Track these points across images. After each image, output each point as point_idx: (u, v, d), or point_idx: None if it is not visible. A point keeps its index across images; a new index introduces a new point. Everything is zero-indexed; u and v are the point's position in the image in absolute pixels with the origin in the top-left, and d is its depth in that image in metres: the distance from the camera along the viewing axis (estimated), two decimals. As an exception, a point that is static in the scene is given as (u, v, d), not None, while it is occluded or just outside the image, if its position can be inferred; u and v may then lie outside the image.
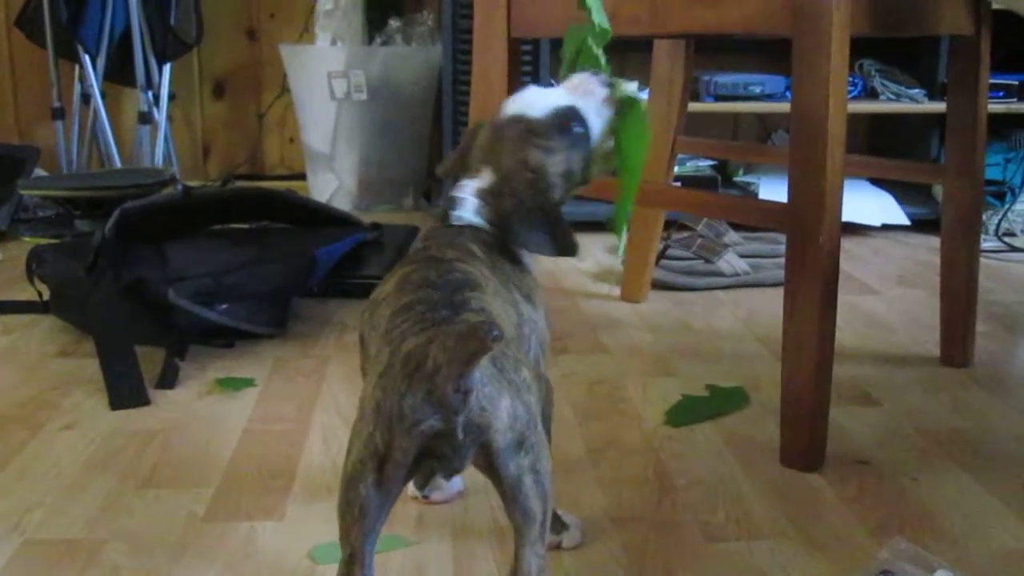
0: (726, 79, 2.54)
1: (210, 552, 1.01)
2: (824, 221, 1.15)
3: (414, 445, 0.75)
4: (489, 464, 0.78)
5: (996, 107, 2.36)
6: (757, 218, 1.24)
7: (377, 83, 2.68)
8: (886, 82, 2.62)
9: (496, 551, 1.02)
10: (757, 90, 2.56)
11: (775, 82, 2.58)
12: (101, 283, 1.50)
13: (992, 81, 1.69)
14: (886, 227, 2.57)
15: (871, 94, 2.66)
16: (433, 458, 0.76)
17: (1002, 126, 2.62)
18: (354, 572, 0.79)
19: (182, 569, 0.98)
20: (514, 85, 1.44)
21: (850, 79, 2.62)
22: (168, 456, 1.24)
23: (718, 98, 2.53)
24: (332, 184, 2.80)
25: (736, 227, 2.26)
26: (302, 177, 2.94)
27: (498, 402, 0.75)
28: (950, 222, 1.53)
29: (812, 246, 1.16)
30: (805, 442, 1.21)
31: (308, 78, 2.73)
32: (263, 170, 3.08)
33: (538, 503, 0.79)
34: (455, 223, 0.96)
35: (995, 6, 1.47)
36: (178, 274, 1.55)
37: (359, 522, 0.78)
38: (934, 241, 2.51)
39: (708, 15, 1.21)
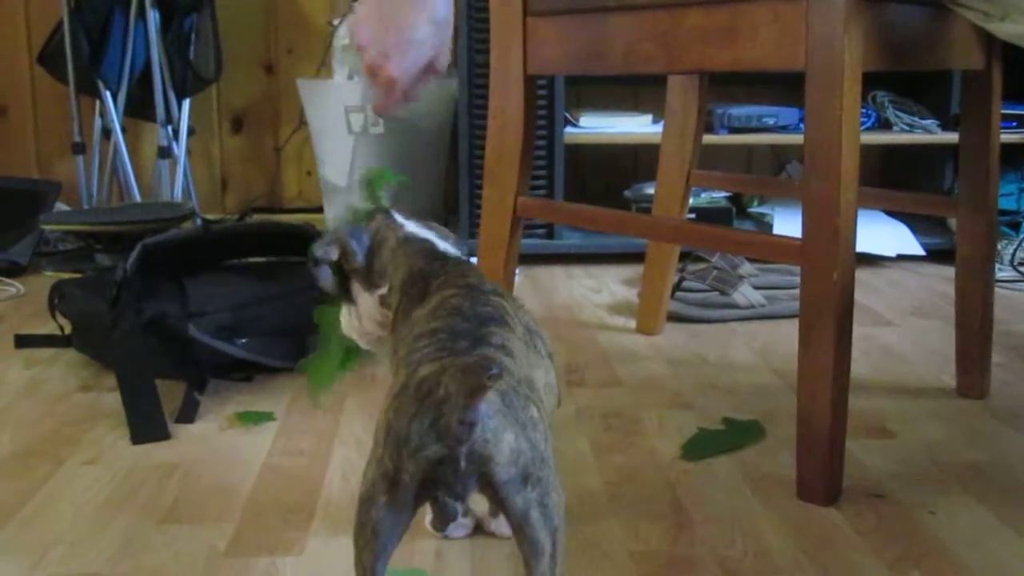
0: (740, 111, 2.56)
1: (231, 587, 1.03)
2: (838, 257, 1.16)
3: (419, 469, 0.77)
4: (495, 496, 0.80)
5: (1009, 137, 2.37)
6: (771, 254, 1.25)
7: (393, 117, 2.70)
8: (900, 113, 2.63)
9: (514, 586, 1.03)
10: (771, 122, 2.57)
11: (789, 114, 2.60)
12: (123, 318, 1.52)
13: (1004, 111, 1.70)
14: (901, 257, 2.57)
15: (884, 125, 2.67)
16: (438, 484, 0.78)
17: (1015, 156, 2.63)
18: None
19: (204, 604, 1.00)
20: (530, 122, 1.46)
21: (863, 110, 2.64)
22: (188, 491, 1.25)
23: (732, 130, 2.55)
24: (349, 217, 2.82)
25: (751, 258, 2.27)
26: (320, 210, 2.96)
27: (501, 436, 0.77)
28: (965, 254, 1.54)
29: (826, 282, 1.17)
30: (821, 476, 1.21)
31: (325, 112, 2.76)
32: (281, 203, 3.11)
33: (546, 536, 0.81)
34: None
35: (1000, 37, 1.48)
36: (199, 309, 1.57)
37: (371, 543, 0.80)
38: (949, 271, 2.51)
39: (723, 53, 1.22)
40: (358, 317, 1.07)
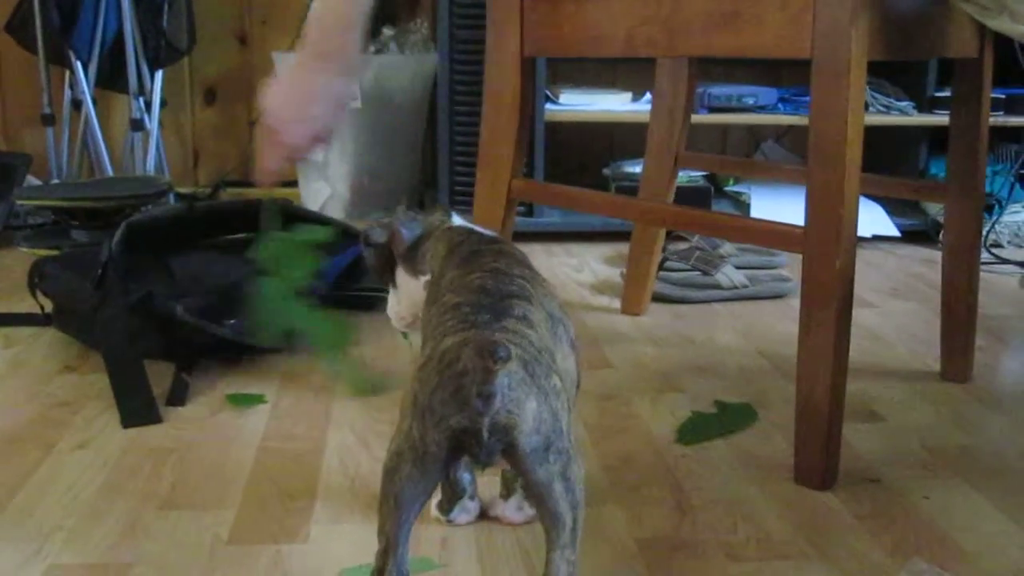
0: (720, 91, 2.56)
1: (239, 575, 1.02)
2: (840, 245, 1.16)
3: (444, 439, 0.79)
4: (518, 466, 0.81)
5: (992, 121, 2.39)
6: (772, 241, 1.25)
7: (371, 91, 2.68)
8: (876, 94, 2.65)
9: (522, 572, 1.03)
10: (750, 102, 2.58)
11: (767, 94, 2.61)
12: (109, 298, 1.50)
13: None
14: (876, 238, 2.60)
15: (861, 106, 2.68)
16: (462, 452, 0.80)
17: (990, 139, 2.65)
18: (388, 563, 0.83)
19: (212, 594, 0.99)
20: (526, 105, 1.45)
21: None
22: (185, 476, 1.24)
23: (711, 110, 2.55)
24: (325, 192, 2.79)
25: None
26: (294, 184, 2.93)
27: (524, 405, 0.79)
28: (952, 239, 1.55)
29: (828, 270, 1.18)
30: (820, 460, 1.23)
31: (301, 86, 2.72)
32: (253, 177, 3.07)
33: (568, 509, 0.82)
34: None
35: (995, 31, 1.49)
36: (185, 289, 1.55)
37: (395, 513, 0.83)
38: (925, 252, 2.56)
39: (727, 39, 1.22)
40: (398, 301, 1.12)
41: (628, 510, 1.17)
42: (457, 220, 1.12)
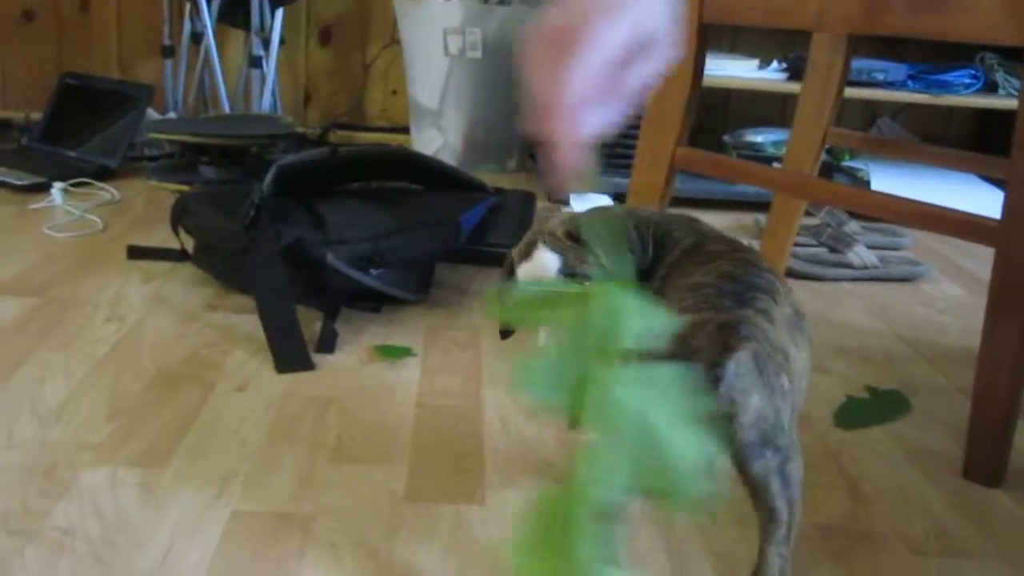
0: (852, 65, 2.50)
1: (423, 534, 1.02)
2: (1044, 238, 1.13)
3: None
4: (734, 457, 0.80)
5: None
6: (962, 232, 1.21)
7: (492, 42, 2.65)
8: (1009, 77, 2.57)
9: (703, 552, 1.02)
10: (880, 77, 2.52)
11: (897, 70, 2.54)
12: (262, 241, 1.50)
13: None
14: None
15: (991, 88, 2.61)
16: None
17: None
18: None
19: (401, 549, 0.99)
20: (699, 72, 1.42)
21: (971, 72, 2.58)
22: (349, 428, 1.24)
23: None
24: (437, 141, 2.78)
25: (853, 215, 2.24)
26: (404, 131, 2.92)
27: (748, 397, 0.77)
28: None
29: (1021, 268, 1.14)
30: (993, 457, 1.20)
31: (421, 33, 2.70)
32: (364, 121, 3.07)
33: (784, 505, 0.82)
34: None
35: None
36: (338, 237, 1.55)
37: None
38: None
39: (932, 21, 1.18)
40: None
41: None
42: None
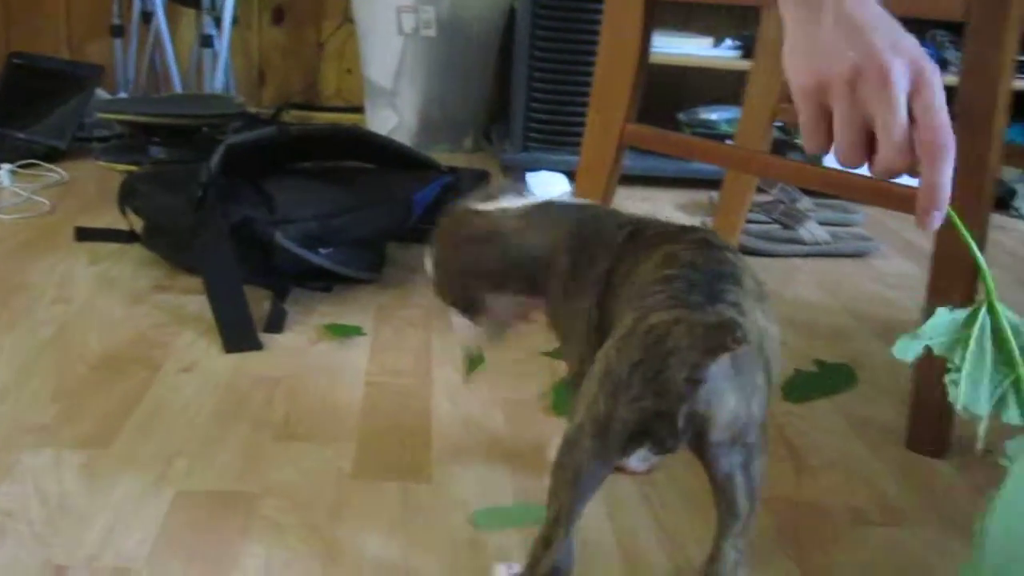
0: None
1: (370, 511, 1.01)
2: (980, 216, 1.14)
3: (632, 420, 0.75)
4: (702, 454, 0.79)
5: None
6: (909, 207, 1.22)
7: (446, 20, 2.64)
8: (960, 54, 2.59)
9: (649, 522, 1.03)
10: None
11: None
12: (210, 221, 1.48)
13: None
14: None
15: (942, 65, 2.63)
16: (647, 436, 0.76)
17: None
18: (557, 533, 0.80)
19: (346, 528, 0.98)
20: (646, 47, 1.42)
21: (927, 49, 2.59)
22: (296, 407, 1.24)
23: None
24: (392, 120, 2.77)
25: (807, 192, 2.25)
26: (358, 110, 2.90)
27: (724, 399, 0.75)
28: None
29: (961, 241, 1.15)
30: (936, 428, 1.22)
31: (375, 11, 2.68)
32: (319, 100, 3.04)
33: (746, 501, 0.80)
34: None
35: None
36: (285, 216, 1.54)
37: (571, 486, 0.79)
38: (996, 218, 2.52)
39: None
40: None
41: (746, 467, 1.16)
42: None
